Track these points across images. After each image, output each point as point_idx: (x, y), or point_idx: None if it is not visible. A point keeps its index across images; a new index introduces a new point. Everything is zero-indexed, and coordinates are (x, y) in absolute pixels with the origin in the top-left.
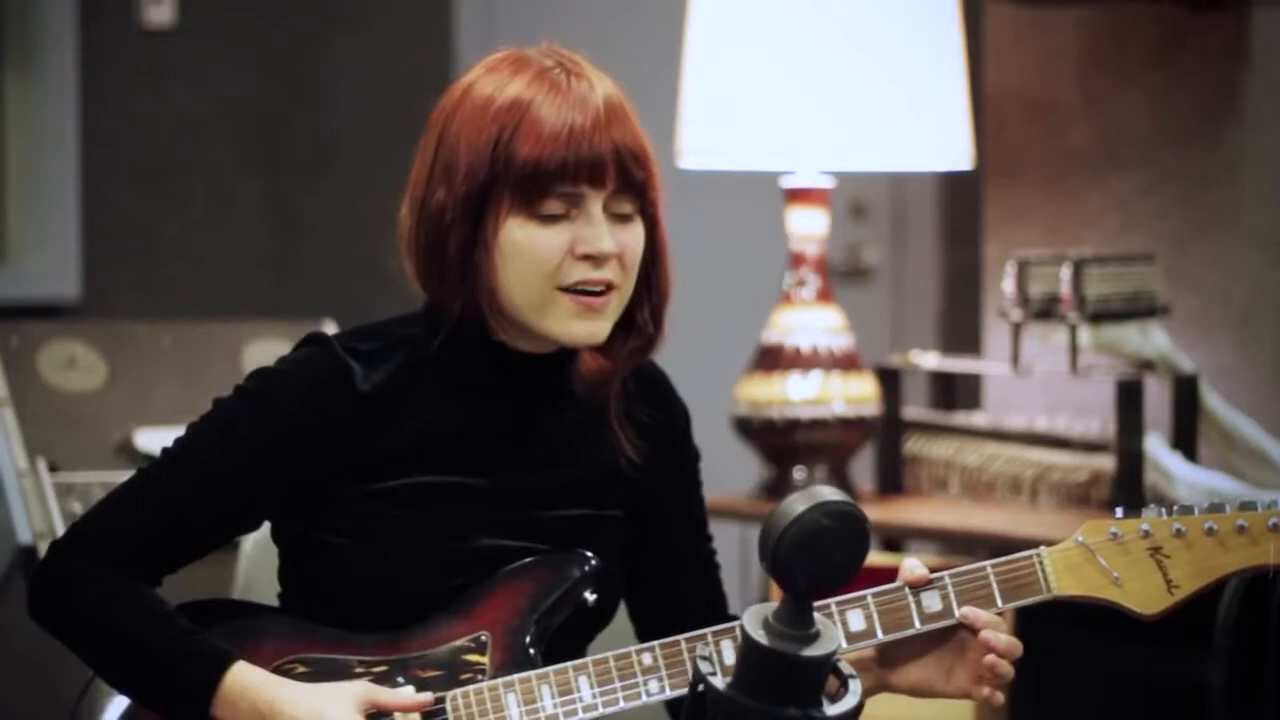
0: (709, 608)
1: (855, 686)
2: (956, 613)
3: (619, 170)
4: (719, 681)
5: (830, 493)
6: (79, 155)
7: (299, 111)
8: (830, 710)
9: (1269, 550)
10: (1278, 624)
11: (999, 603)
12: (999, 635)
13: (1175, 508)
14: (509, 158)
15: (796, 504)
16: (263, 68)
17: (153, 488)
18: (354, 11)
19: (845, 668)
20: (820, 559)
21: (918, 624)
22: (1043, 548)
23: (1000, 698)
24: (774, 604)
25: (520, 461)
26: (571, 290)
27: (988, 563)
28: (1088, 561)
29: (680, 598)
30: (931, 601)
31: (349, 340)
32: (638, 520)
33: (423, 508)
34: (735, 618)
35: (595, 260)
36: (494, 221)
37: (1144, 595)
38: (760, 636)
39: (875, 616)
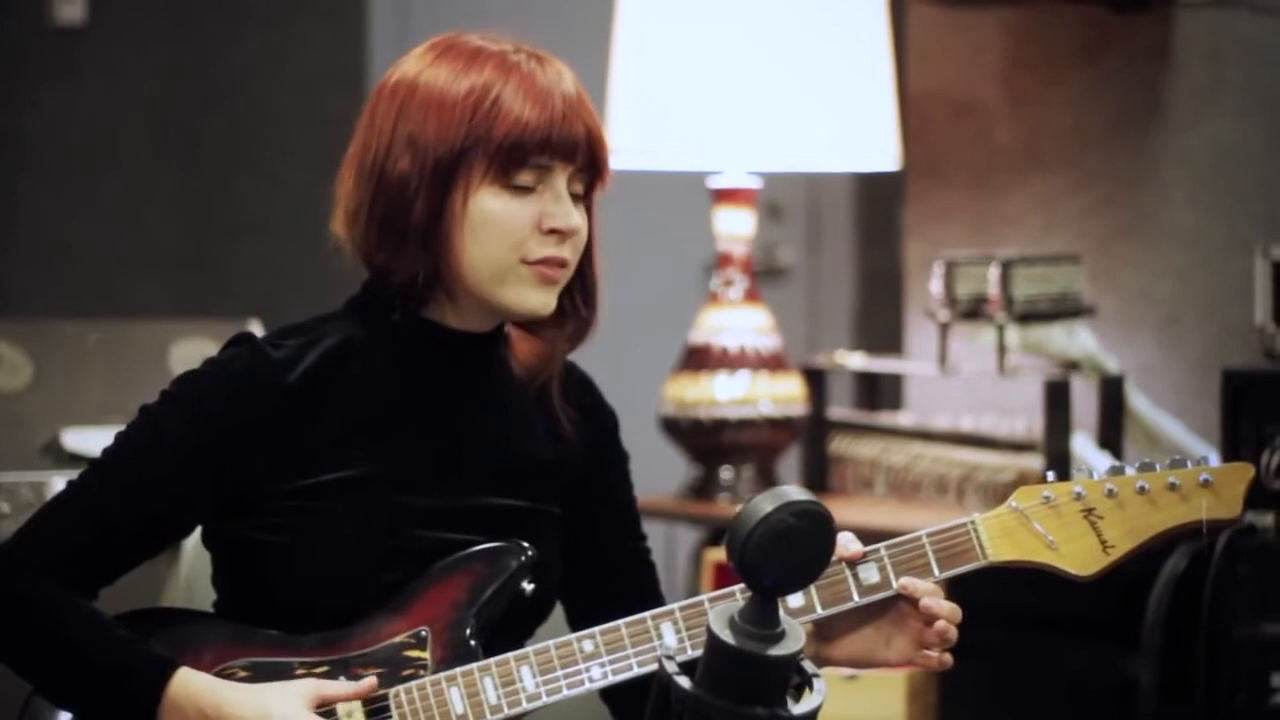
0: (645, 608)
1: (819, 685)
2: (895, 583)
3: (588, 151)
4: (685, 682)
5: (797, 492)
6: None
7: (211, 109)
8: (795, 709)
9: (1200, 506)
10: (1207, 622)
11: (936, 572)
12: (940, 602)
13: (1108, 468)
14: (490, 127)
15: (764, 503)
16: (174, 65)
17: (83, 499)
18: (266, 9)
19: (809, 666)
20: (787, 558)
21: (856, 597)
22: (976, 515)
23: (950, 659)
24: (740, 603)
25: (453, 451)
26: (533, 263)
27: (923, 532)
28: (1022, 526)
29: (616, 597)
30: (869, 574)
31: (274, 337)
32: (572, 519)
33: (355, 501)
34: None
35: (560, 235)
36: (464, 190)
37: (1079, 557)
38: (727, 636)
39: (814, 591)
